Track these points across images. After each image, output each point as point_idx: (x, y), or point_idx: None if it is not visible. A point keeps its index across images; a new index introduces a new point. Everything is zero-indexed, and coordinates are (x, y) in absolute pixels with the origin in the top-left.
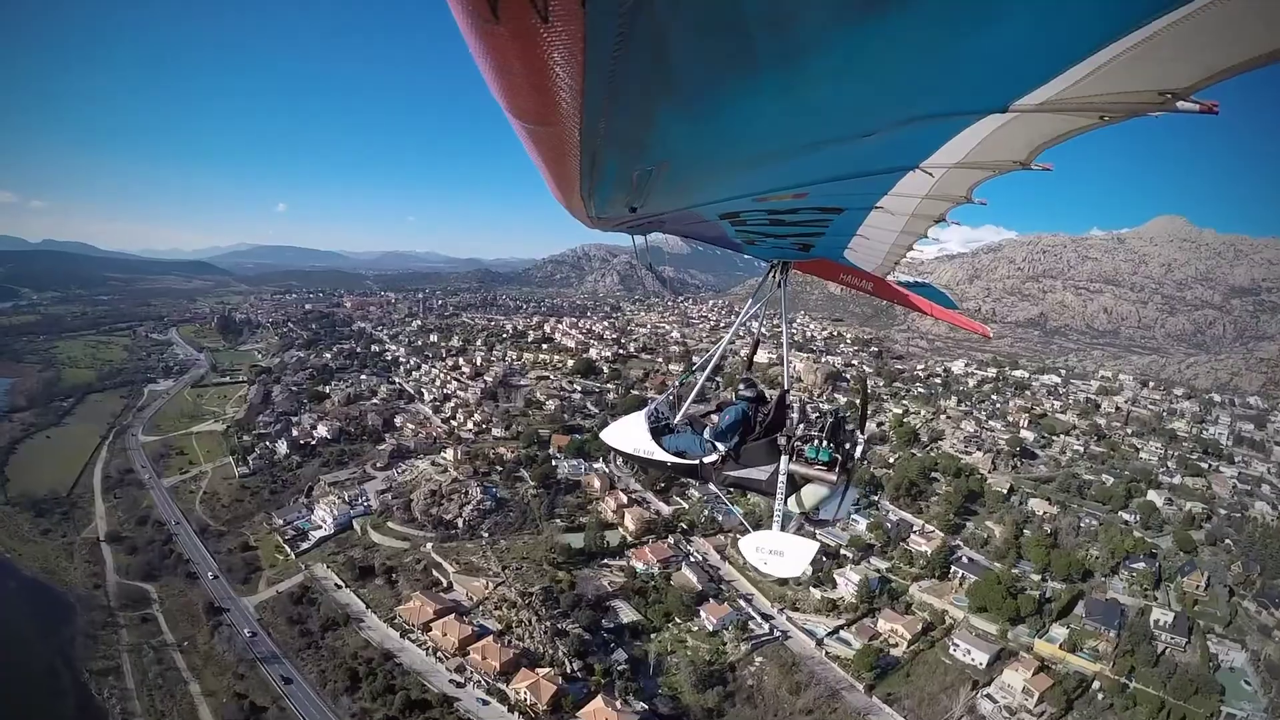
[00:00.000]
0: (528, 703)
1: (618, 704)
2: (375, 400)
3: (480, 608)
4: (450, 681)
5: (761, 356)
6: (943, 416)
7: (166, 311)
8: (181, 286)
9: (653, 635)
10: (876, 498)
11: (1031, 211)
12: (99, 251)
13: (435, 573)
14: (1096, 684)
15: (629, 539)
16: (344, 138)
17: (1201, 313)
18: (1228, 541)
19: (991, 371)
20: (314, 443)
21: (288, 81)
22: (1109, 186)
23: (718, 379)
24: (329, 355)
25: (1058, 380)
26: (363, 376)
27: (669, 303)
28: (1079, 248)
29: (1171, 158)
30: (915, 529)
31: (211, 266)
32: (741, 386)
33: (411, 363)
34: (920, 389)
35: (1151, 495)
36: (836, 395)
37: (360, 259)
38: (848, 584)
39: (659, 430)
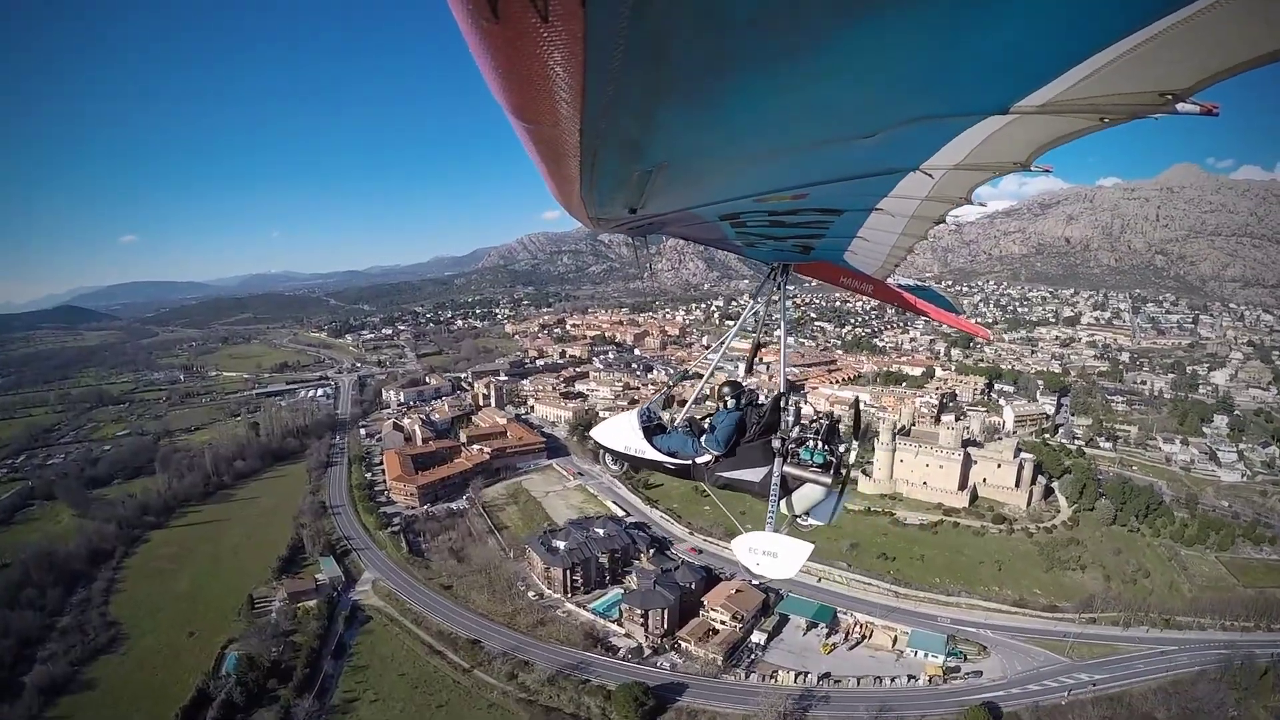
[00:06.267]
0: None
1: None
2: None
3: None
4: None
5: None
6: None
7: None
8: (80, 342)
9: None
10: None
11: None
12: None
13: None
14: None
15: None
16: (177, 152)
17: None
18: None
19: None
20: None
21: (114, 94)
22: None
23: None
24: None
25: None
26: None
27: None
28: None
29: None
30: None
31: (90, 312)
32: (727, 389)
33: None
34: None
35: None
36: None
37: (223, 286)
38: None
39: (651, 430)
